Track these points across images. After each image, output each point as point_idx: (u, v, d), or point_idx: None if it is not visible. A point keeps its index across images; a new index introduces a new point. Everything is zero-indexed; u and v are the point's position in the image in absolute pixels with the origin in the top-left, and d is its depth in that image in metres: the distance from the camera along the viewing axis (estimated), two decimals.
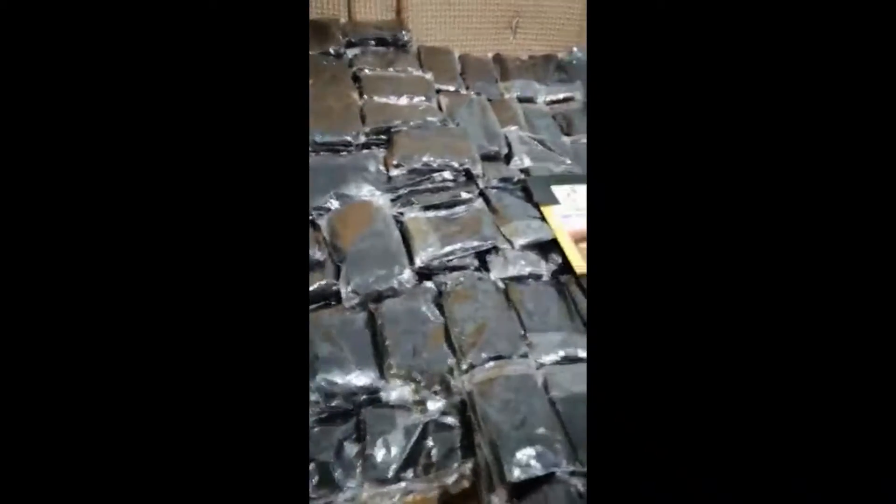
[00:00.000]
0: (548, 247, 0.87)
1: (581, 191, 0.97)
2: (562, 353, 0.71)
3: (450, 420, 0.67)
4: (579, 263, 0.83)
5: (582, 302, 0.80)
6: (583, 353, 0.72)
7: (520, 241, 0.84)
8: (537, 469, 0.58)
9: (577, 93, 1.26)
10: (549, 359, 0.71)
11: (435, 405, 0.68)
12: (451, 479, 0.66)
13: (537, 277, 0.82)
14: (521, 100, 1.20)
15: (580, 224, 0.90)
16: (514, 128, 1.06)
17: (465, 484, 0.67)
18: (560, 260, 0.85)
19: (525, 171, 0.99)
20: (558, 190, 0.95)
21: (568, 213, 0.91)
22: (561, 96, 1.26)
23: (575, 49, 1.34)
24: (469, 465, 0.66)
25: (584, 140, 1.12)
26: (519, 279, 0.81)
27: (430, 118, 0.97)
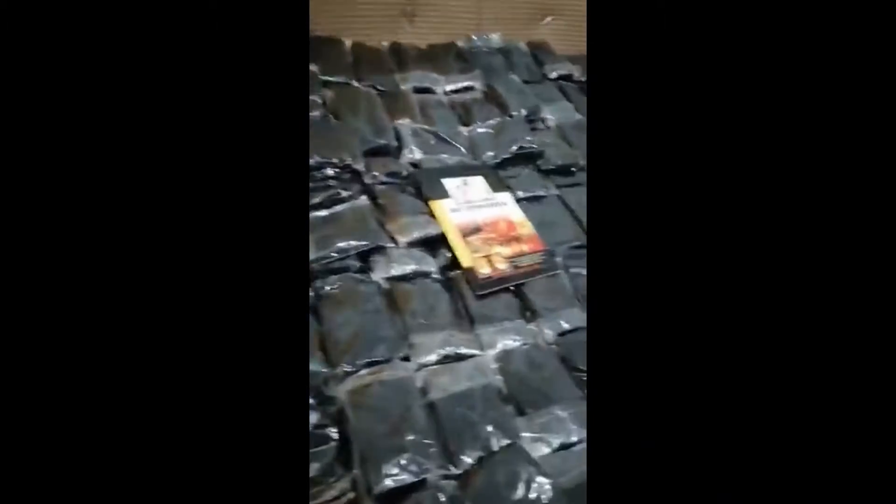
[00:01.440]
0: (436, 243, 0.85)
1: (473, 182, 0.95)
2: (443, 353, 0.70)
3: (327, 433, 0.64)
4: (466, 258, 0.82)
5: (469, 297, 0.79)
6: (464, 350, 0.71)
7: (405, 239, 0.81)
8: (406, 477, 0.56)
9: (477, 82, 1.24)
10: (429, 359, 0.69)
11: (311, 418, 0.65)
12: (331, 494, 0.63)
13: (425, 275, 0.80)
14: (418, 90, 1.16)
15: (469, 217, 0.88)
16: (406, 120, 1.03)
17: (350, 497, 0.64)
18: (449, 255, 0.84)
19: (416, 164, 0.96)
20: (449, 183, 0.93)
21: (457, 207, 0.89)
22: (461, 85, 1.23)
23: (474, 37, 1.32)
24: (348, 479, 0.63)
25: (481, 130, 1.10)
26: (404, 278, 0.78)
27: (310, 114, 0.93)
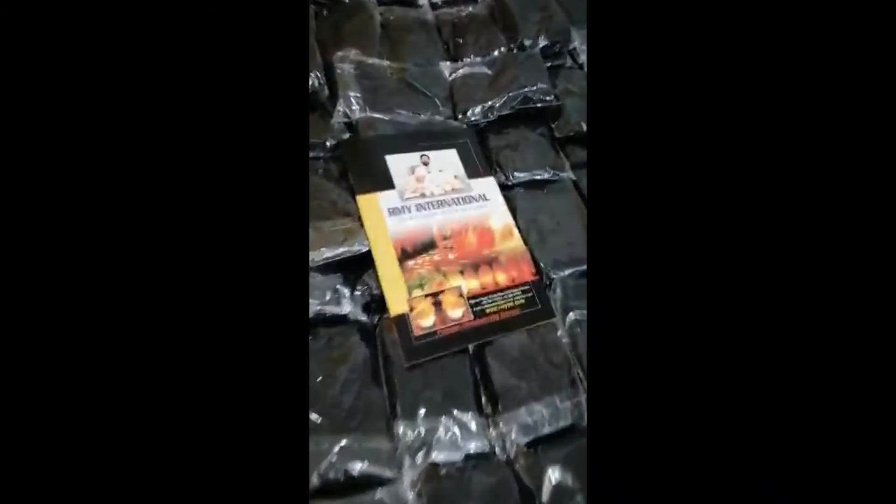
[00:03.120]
0: (359, 266, 0.55)
1: (438, 161, 0.63)
2: (332, 476, 0.43)
3: None
4: (397, 299, 0.52)
5: (397, 365, 0.50)
6: (369, 468, 0.44)
7: None
8: None
9: None
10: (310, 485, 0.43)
11: None
12: None
13: (334, 321, 0.52)
14: (387, 1, 0.81)
15: (418, 224, 0.57)
16: (352, 52, 0.69)
17: None
18: (375, 288, 0.54)
19: (353, 125, 0.64)
20: (398, 162, 0.61)
21: (402, 206, 0.58)
22: None
23: None
24: None
25: (474, 69, 0.75)
26: None
27: None
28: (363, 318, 0.53)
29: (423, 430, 0.47)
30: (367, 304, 0.54)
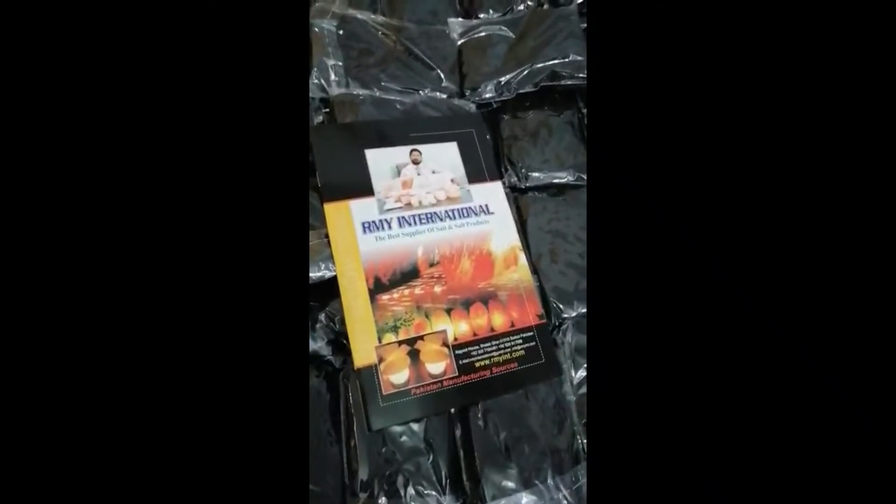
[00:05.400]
0: (325, 291, 0.45)
1: (436, 154, 0.50)
2: None
3: None
4: (363, 347, 0.42)
5: (362, 429, 0.41)
6: None
7: None
8: None
9: None
10: None
11: None
12: None
13: None
14: None
15: (400, 244, 0.46)
16: (336, 1, 0.55)
17: None
18: (341, 323, 0.44)
19: (329, 103, 0.51)
20: (381, 158, 0.48)
21: (380, 218, 0.46)
22: None
23: None
24: None
25: (491, 31, 0.60)
26: None
27: None
28: (327, 355, 0.44)
29: None
30: (333, 340, 0.44)
